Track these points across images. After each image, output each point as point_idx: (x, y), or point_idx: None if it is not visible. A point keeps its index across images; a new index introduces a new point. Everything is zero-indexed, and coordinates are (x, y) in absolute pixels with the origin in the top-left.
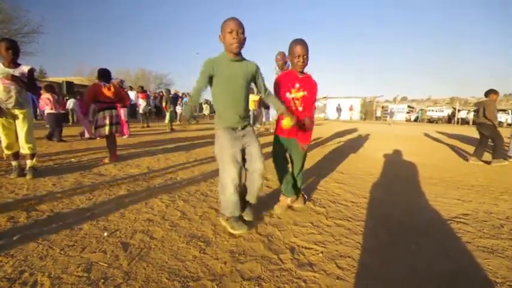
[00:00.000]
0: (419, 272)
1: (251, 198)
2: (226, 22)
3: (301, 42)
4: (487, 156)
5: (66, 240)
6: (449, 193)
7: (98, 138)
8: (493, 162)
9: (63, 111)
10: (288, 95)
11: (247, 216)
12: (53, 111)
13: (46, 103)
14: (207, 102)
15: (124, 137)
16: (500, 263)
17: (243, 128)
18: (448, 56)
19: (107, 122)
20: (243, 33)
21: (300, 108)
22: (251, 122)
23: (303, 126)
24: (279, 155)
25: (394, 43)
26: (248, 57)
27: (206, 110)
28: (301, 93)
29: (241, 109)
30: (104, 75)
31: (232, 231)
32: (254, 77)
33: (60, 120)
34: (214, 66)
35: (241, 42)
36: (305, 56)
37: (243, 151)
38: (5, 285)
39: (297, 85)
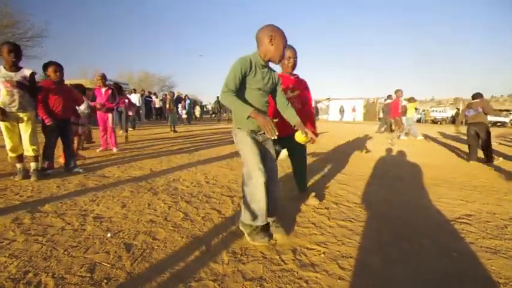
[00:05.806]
0: (422, 272)
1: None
2: (281, 34)
3: (290, 46)
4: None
5: (69, 241)
6: (453, 194)
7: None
8: (494, 161)
9: None
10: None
11: (278, 232)
12: None
13: None
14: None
15: (114, 149)
16: (504, 264)
17: (263, 133)
18: (452, 55)
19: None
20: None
21: (299, 106)
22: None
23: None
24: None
25: (397, 44)
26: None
27: (197, 112)
28: (296, 92)
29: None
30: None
31: (254, 243)
32: (275, 87)
33: None
34: (251, 67)
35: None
36: (294, 59)
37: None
38: (9, 286)
39: (291, 86)
